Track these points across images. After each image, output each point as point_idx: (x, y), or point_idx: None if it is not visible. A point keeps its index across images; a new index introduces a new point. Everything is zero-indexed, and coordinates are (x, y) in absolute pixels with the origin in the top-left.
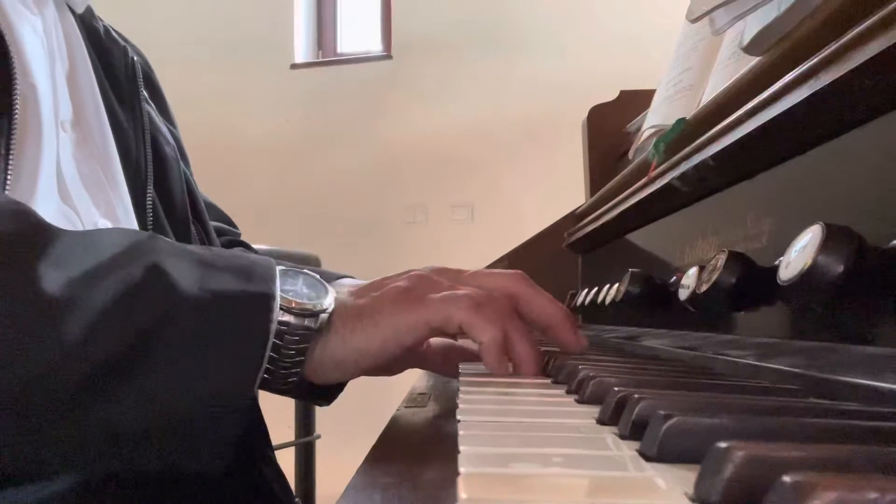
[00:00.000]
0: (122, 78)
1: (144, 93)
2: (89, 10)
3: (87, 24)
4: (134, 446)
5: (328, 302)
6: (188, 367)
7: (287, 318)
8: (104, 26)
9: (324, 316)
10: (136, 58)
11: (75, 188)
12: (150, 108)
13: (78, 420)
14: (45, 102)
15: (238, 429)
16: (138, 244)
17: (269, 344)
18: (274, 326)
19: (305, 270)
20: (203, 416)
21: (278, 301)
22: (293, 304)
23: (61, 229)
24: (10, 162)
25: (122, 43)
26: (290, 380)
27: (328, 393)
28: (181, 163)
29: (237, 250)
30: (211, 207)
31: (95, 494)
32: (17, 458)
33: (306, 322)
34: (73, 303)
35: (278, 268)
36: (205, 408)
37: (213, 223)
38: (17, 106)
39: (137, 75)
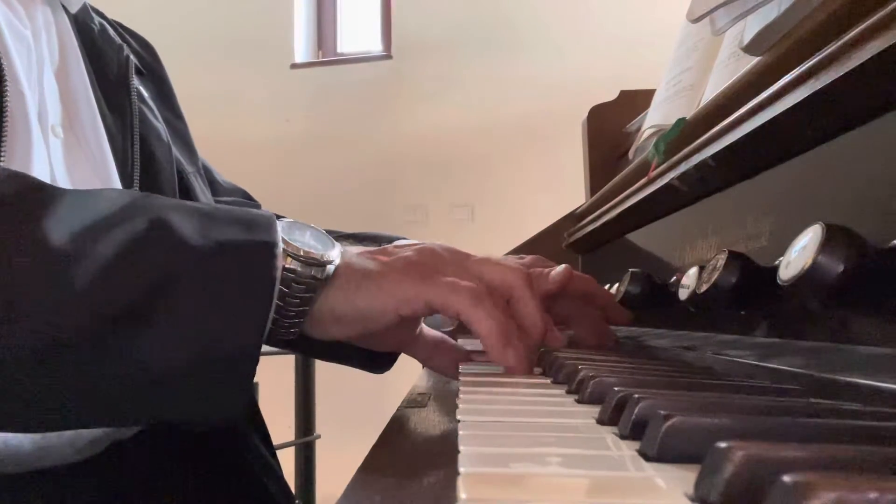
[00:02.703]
0: (112, 79)
1: (142, 91)
2: (85, 10)
3: (81, 24)
4: (149, 394)
5: (334, 254)
6: (197, 314)
7: (294, 265)
8: (101, 23)
9: (330, 267)
10: (131, 56)
11: None
12: (143, 107)
13: (95, 372)
14: (33, 111)
15: (248, 375)
16: (138, 200)
17: (276, 290)
18: (279, 273)
19: (313, 225)
20: (213, 362)
21: (280, 248)
22: (301, 252)
23: (60, 188)
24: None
25: (119, 41)
26: (292, 330)
27: (382, 358)
28: (175, 163)
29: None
30: (215, 183)
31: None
32: (37, 411)
33: (313, 271)
34: (81, 255)
35: (285, 219)
36: (214, 353)
37: (230, 199)
38: (6, 112)
39: (130, 74)
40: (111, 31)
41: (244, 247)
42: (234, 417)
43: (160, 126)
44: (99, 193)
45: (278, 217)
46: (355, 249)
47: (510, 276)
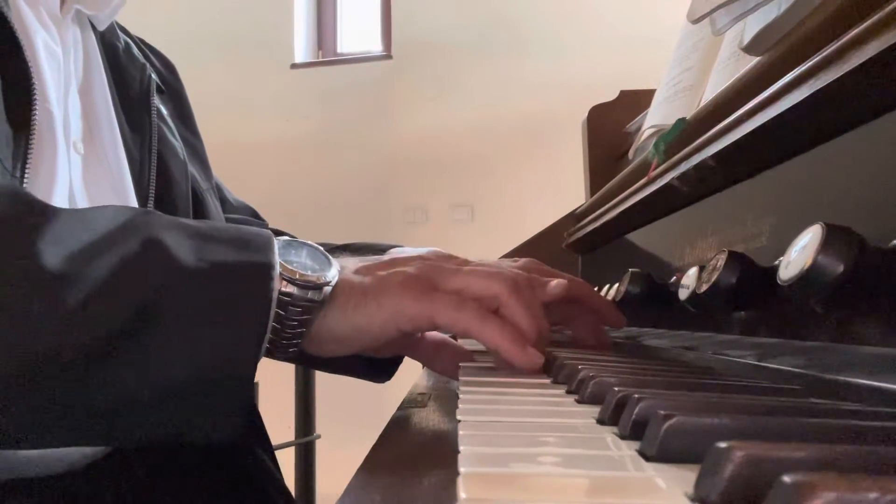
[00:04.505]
0: (134, 97)
1: (161, 108)
2: (112, 28)
3: (108, 43)
4: (140, 417)
5: (332, 275)
6: (191, 337)
7: (290, 288)
8: (126, 41)
9: (327, 289)
10: (153, 75)
11: None
12: (163, 125)
13: (84, 393)
14: (59, 128)
15: (243, 398)
16: (134, 218)
17: (272, 313)
18: (275, 295)
19: (310, 242)
20: (207, 384)
21: (277, 270)
22: (297, 276)
23: (57, 207)
24: (25, 185)
25: (142, 60)
26: (290, 350)
27: (383, 369)
28: (190, 179)
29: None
30: (225, 200)
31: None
32: (26, 430)
33: (310, 294)
34: (73, 277)
35: (282, 238)
36: (209, 376)
37: (239, 216)
38: (34, 130)
39: (151, 92)
40: (135, 50)
41: (239, 268)
42: (232, 437)
43: (177, 144)
44: (97, 212)
45: (277, 233)
46: (352, 264)
47: (494, 286)
